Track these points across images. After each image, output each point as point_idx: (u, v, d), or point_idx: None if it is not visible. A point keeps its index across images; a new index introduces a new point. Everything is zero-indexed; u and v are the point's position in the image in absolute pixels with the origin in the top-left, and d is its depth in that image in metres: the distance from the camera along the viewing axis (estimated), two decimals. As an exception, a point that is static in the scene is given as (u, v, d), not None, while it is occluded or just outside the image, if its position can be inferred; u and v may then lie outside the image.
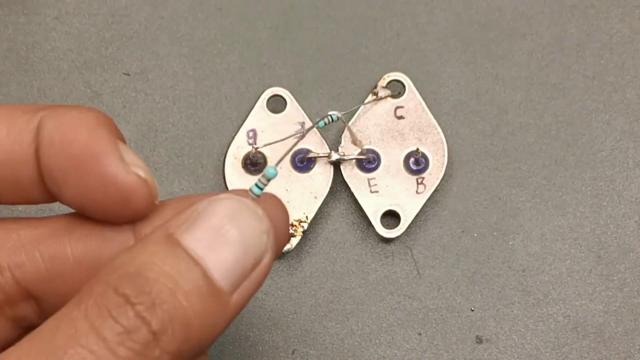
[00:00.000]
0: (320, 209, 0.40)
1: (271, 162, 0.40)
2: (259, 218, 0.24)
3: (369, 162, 0.40)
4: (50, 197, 0.26)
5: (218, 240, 0.23)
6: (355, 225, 0.40)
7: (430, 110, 0.41)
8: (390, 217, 0.40)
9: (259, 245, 0.24)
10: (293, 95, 0.41)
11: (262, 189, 0.25)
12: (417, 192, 0.40)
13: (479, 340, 0.39)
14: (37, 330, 0.22)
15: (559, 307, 0.39)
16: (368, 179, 0.40)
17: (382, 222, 0.40)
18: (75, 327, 0.21)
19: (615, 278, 0.40)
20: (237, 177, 0.40)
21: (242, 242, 0.23)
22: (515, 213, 0.40)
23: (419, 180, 0.40)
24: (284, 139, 0.40)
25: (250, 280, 0.24)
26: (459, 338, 0.39)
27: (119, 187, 0.25)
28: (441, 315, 0.39)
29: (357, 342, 0.39)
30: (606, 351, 0.39)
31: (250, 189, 0.25)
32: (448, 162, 0.40)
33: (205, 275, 0.23)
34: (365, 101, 0.41)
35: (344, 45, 0.42)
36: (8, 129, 0.25)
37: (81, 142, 0.25)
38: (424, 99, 0.41)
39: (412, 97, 0.41)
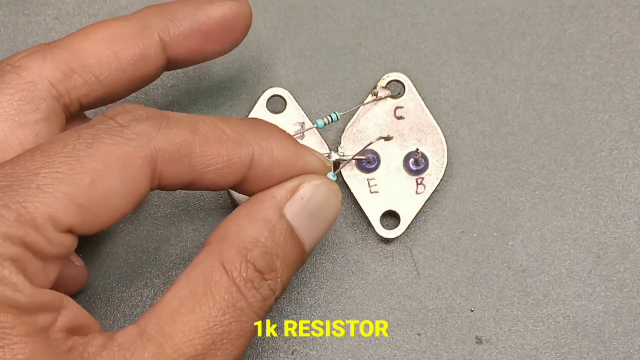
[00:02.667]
0: (320, 209, 0.40)
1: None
2: (339, 200, 0.34)
3: (368, 162, 0.40)
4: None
5: (314, 221, 0.33)
6: (355, 225, 0.40)
7: (430, 110, 0.41)
8: (390, 218, 0.40)
9: (336, 217, 0.34)
10: (293, 96, 0.41)
11: (334, 176, 0.35)
12: (416, 193, 0.40)
13: (479, 341, 0.39)
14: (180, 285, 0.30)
15: (558, 308, 0.39)
16: (368, 179, 0.40)
17: (381, 223, 0.40)
18: (231, 294, 0.30)
19: (615, 278, 0.40)
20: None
21: (329, 221, 0.34)
22: (515, 213, 0.40)
23: (419, 181, 0.40)
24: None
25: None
26: (459, 338, 0.39)
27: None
28: (441, 316, 0.39)
29: (357, 342, 0.39)
30: (606, 351, 0.39)
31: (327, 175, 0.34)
32: (448, 162, 0.40)
33: (303, 250, 0.33)
34: (365, 101, 0.41)
35: (344, 45, 0.42)
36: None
37: None
38: (423, 99, 0.41)
39: (411, 97, 0.41)
